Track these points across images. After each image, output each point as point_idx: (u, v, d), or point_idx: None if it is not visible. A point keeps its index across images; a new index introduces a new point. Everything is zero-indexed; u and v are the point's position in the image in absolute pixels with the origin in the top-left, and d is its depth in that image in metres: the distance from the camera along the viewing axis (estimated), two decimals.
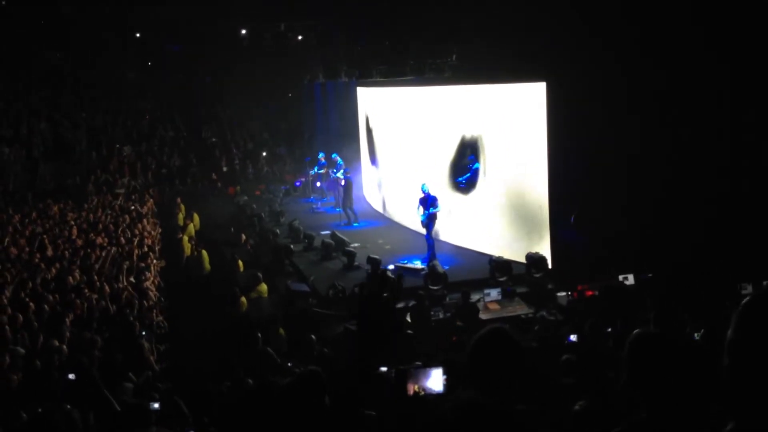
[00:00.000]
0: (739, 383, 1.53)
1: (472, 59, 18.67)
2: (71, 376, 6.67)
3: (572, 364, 6.61)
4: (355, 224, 18.88)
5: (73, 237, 15.46)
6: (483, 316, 11.50)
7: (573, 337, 8.49)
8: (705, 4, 12.01)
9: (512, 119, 14.18)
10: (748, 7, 11.68)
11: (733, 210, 11.96)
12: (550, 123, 13.02)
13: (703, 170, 12.46)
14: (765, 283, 8.88)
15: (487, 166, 15.15)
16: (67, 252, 13.96)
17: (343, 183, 19.20)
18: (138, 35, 28.10)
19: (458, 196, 16.04)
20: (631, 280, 11.85)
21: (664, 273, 11.60)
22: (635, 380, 2.44)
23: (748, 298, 1.57)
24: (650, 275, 11.79)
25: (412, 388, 5.65)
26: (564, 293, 11.95)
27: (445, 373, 5.75)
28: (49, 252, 13.92)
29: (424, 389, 5.91)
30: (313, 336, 9.84)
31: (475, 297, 11.97)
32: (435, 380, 5.97)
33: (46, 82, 27.13)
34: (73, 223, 17.03)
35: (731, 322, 1.57)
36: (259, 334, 9.46)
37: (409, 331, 10.59)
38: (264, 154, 27.35)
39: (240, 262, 14.99)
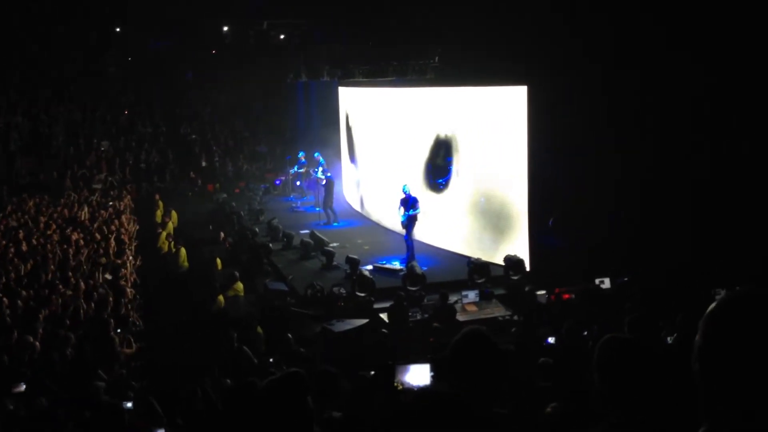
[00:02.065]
0: (708, 388, 1.54)
1: (454, 61, 18.72)
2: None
3: (549, 368, 6.64)
4: (335, 224, 18.85)
5: (49, 232, 15.26)
6: (460, 317, 11.52)
7: (551, 340, 8.54)
8: (684, 12, 12.14)
9: (493, 122, 14.23)
10: (727, 13, 11.81)
11: (709, 216, 12.10)
12: (531, 126, 13.09)
13: (680, 176, 12.60)
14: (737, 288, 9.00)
15: (467, 168, 15.19)
16: (41, 247, 13.79)
17: (324, 182, 19.16)
18: (119, 30, 27.82)
19: (438, 197, 16.07)
20: (607, 283, 11.95)
21: (640, 277, 11.71)
22: (606, 384, 2.46)
23: (713, 304, 1.58)
24: (626, 279, 11.89)
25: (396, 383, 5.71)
26: (543, 291, 12.01)
27: (432, 369, 5.79)
28: (24, 247, 13.73)
29: (402, 384, 5.96)
30: (290, 335, 9.80)
31: (453, 298, 11.99)
32: (419, 376, 6.03)
33: (24, 76, 26.77)
34: (47, 218, 16.81)
35: (699, 328, 1.58)
36: (235, 334, 9.38)
37: (384, 330, 10.59)
38: (244, 147, 27.20)
39: (218, 260, 14.90)
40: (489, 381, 2.54)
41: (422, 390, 2.01)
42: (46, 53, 27.26)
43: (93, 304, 10.65)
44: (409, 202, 14.33)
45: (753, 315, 1.51)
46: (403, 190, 14.48)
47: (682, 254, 11.79)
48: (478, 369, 2.54)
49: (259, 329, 10.75)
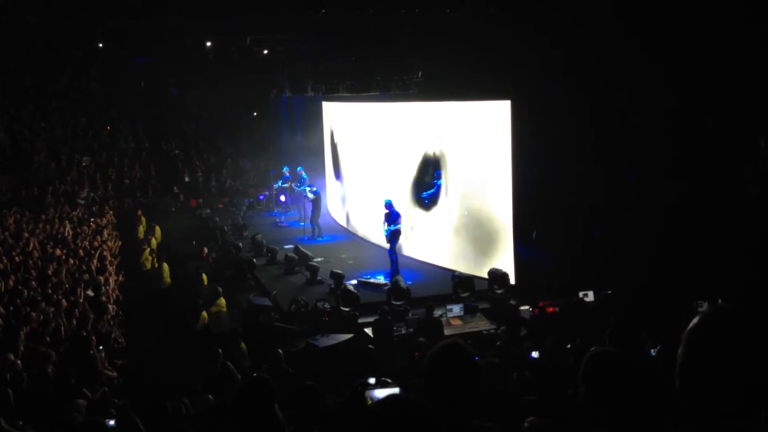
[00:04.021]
0: (689, 404, 1.55)
1: (437, 76, 18.82)
2: None
3: (533, 381, 6.66)
4: (319, 239, 18.82)
5: (30, 249, 15.10)
6: (445, 331, 11.52)
7: (535, 354, 8.57)
8: (666, 25, 12.29)
9: (477, 136, 14.32)
10: (706, 29, 11.97)
11: (692, 229, 12.22)
12: (515, 141, 13.17)
13: (663, 190, 12.72)
14: (719, 301, 9.10)
15: (451, 182, 15.25)
16: (22, 264, 13.64)
17: (311, 197, 19.13)
18: (101, 46, 27.70)
19: (422, 211, 16.11)
20: (591, 297, 12.01)
21: (623, 290, 11.78)
22: (592, 397, 2.47)
23: (695, 321, 1.60)
24: (610, 292, 11.96)
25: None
26: (527, 307, 12.05)
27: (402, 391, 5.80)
28: (4, 264, 13.56)
29: (372, 399, 5.97)
30: (280, 350, 9.73)
31: (437, 312, 12.00)
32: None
33: (5, 91, 26.56)
34: (29, 234, 16.64)
35: (681, 344, 1.60)
36: (220, 350, 9.30)
37: (370, 346, 10.57)
38: (228, 162, 27.12)
39: (204, 276, 14.82)
40: (464, 392, 2.55)
41: (386, 397, 2.00)
42: (27, 69, 27.10)
43: (74, 321, 10.55)
44: (392, 217, 14.35)
45: (733, 332, 1.53)
46: (386, 204, 14.51)
47: (665, 267, 11.88)
48: (453, 380, 2.55)
49: (243, 345, 10.69)
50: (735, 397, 1.49)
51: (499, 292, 13.19)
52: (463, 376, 2.56)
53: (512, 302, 12.74)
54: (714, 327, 1.56)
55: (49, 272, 13.16)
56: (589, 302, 11.92)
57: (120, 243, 17.65)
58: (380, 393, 6.06)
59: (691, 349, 1.57)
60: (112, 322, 11.36)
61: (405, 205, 16.01)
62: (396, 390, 5.87)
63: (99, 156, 25.75)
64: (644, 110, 12.61)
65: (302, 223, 19.92)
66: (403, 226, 14.53)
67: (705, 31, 11.78)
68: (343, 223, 20.78)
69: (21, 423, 6.19)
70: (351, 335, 11.22)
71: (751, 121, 12.00)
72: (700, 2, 12.07)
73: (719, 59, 11.66)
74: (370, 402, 5.90)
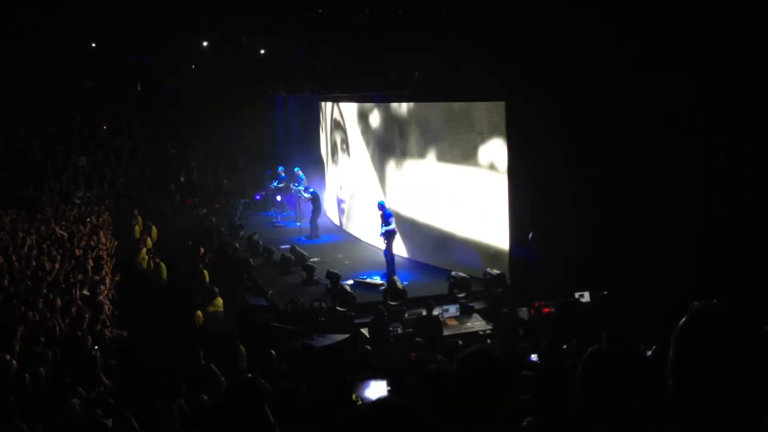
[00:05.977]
0: (683, 404, 1.56)
1: (433, 77, 18.82)
2: None
3: (529, 381, 6.65)
4: (316, 239, 18.81)
5: (25, 248, 15.04)
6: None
7: (534, 357, 8.56)
8: (664, 26, 12.30)
9: (473, 137, 14.32)
10: (706, 29, 11.98)
11: (687, 229, 12.23)
12: (510, 142, 13.18)
13: (658, 191, 12.72)
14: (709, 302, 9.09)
15: (447, 182, 15.23)
16: (17, 263, 13.59)
17: (307, 197, 19.12)
18: (95, 45, 27.66)
19: (418, 211, 16.10)
20: (587, 297, 12.02)
21: (619, 290, 11.79)
22: (590, 397, 2.47)
23: (683, 320, 1.60)
24: (606, 293, 11.97)
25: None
26: (525, 308, 12.06)
27: (389, 384, 5.79)
28: None
29: (361, 398, 5.97)
30: (273, 351, 9.71)
31: (433, 313, 11.99)
32: (377, 391, 6.03)
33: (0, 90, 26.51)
34: (24, 233, 16.59)
35: (671, 343, 1.60)
36: (201, 351, 9.18)
37: (366, 346, 10.56)
38: (224, 162, 27.11)
39: (206, 272, 14.80)
40: (497, 401, 2.47)
41: (376, 400, 1.94)
42: (22, 68, 27.03)
43: (69, 321, 10.52)
44: (384, 217, 14.35)
45: (718, 330, 1.53)
46: (378, 205, 14.51)
47: (661, 267, 11.90)
48: (486, 389, 2.46)
49: (242, 348, 10.64)
50: (726, 395, 1.50)
51: (496, 292, 13.20)
52: (494, 384, 2.47)
53: (508, 303, 12.73)
54: (699, 325, 1.57)
55: (45, 271, 13.11)
56: (585, 303, 11.94)
57: (116, 242, 17.60)
58: (369, 386, 6.04)
59: (679, 349, 1.57)
60: (107, 322, 11.32)
61: (400, 205, 15.97)
62: (383, 384, 5.85)
63: (95, 155, 25.70)
64: (642, 111, 12.61)
65: (299, 223, 19.91)
66: (393, 226, 14.50)
67: (705, 31, 11.79)
68: (339, 224, 20.78)
69: (17, 422, 6.17)
70: (347, 335, 11.22)
71: (749, 121, 12.02)
72: (699, 2, 12.07)
73: (719, 59, 11.66)
74: (358, 400, 5.89)
